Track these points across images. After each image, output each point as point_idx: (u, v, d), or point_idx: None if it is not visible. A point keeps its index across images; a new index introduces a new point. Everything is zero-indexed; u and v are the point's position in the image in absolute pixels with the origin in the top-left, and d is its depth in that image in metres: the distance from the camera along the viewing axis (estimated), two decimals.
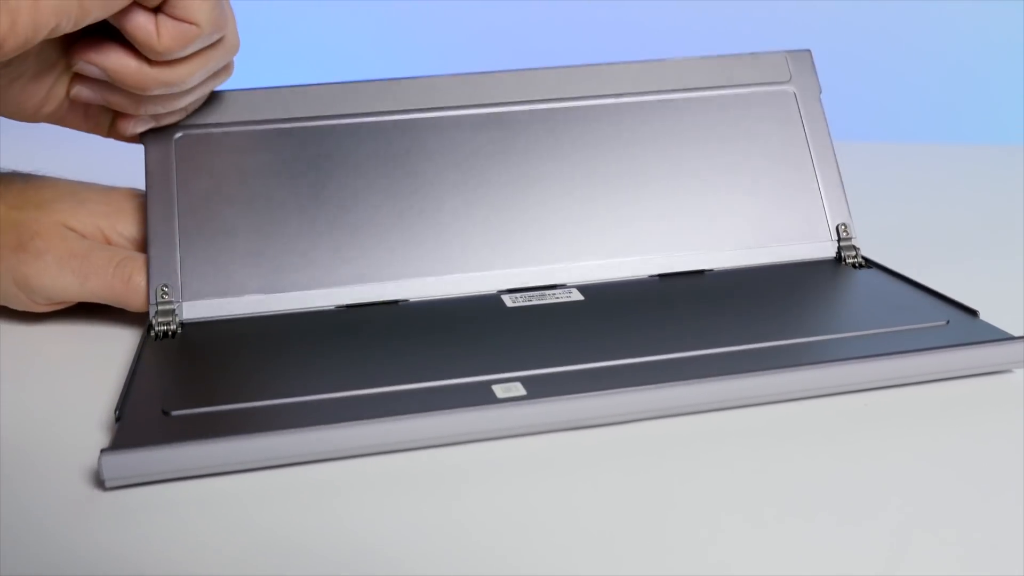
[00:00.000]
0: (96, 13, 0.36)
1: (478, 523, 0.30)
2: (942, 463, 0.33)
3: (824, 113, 0.50)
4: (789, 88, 0.50)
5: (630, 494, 0.31)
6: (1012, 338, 0.38)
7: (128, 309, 0.43)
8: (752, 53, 0.50)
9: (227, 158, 0.45)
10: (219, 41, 0.41)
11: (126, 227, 0.45)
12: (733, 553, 0.28)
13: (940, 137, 1.35)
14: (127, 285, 0.42)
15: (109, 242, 0.44)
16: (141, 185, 0.45)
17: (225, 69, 0.43)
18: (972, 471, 0.32)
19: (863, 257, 0.48)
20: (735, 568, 0.27)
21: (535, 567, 0.27)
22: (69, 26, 0.36)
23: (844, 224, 0.48)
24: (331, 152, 0.45)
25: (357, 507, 0.31)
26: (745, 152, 0.48)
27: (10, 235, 0.42)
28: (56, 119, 0.43)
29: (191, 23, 0.38)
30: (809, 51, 0.51)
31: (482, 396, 0.34)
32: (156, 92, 0.40)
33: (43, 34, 0.35)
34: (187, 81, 0.40)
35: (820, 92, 0.51)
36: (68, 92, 0.41)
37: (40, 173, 0.46)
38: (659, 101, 0.49)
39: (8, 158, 0.45)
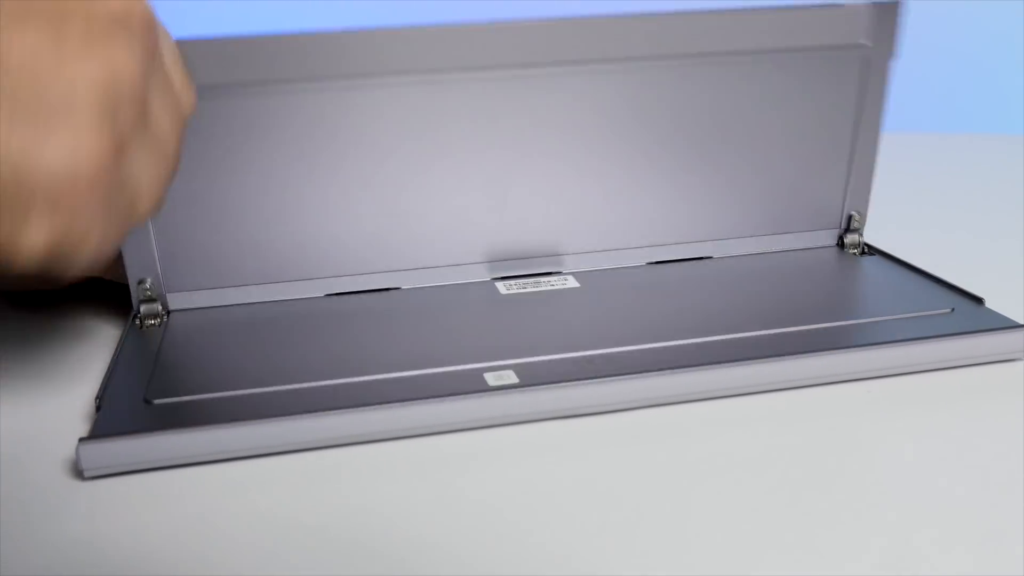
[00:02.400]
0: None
1: (468, 512, 0.29)
2: (946, 451, 0.32)
3: (887, 86, 0.44)
4: (856, 54, 0.43)
5: (623, 482, 0.30)
6: (1018, 326, 0.37)
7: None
8: (825, 5, 0.42)
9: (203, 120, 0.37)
10: None
11: None
12: (729, 540, 0.27)
13: (943, 127, 1.34)
14: None
15: None
16: None
17: None
18: (976, 459, 0.31)
19: (866, 244, 0.47)
20: (732, 554, 0.26)
21: (526, 555, 0.27)
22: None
23: (859, 212, 0.47)
24: (313, 122, 0.40)
25: (344, 496, 0.30)
26: (774, 125, 0.43)
27: None
28: None
29: None
30: (897, 2, 0.42)
31: (474, 384, 0.33)
32: None
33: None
34: None
35: (892, 56, 0.43)
36: None
37: None
38: (685, 64, 0.41)
39: None
